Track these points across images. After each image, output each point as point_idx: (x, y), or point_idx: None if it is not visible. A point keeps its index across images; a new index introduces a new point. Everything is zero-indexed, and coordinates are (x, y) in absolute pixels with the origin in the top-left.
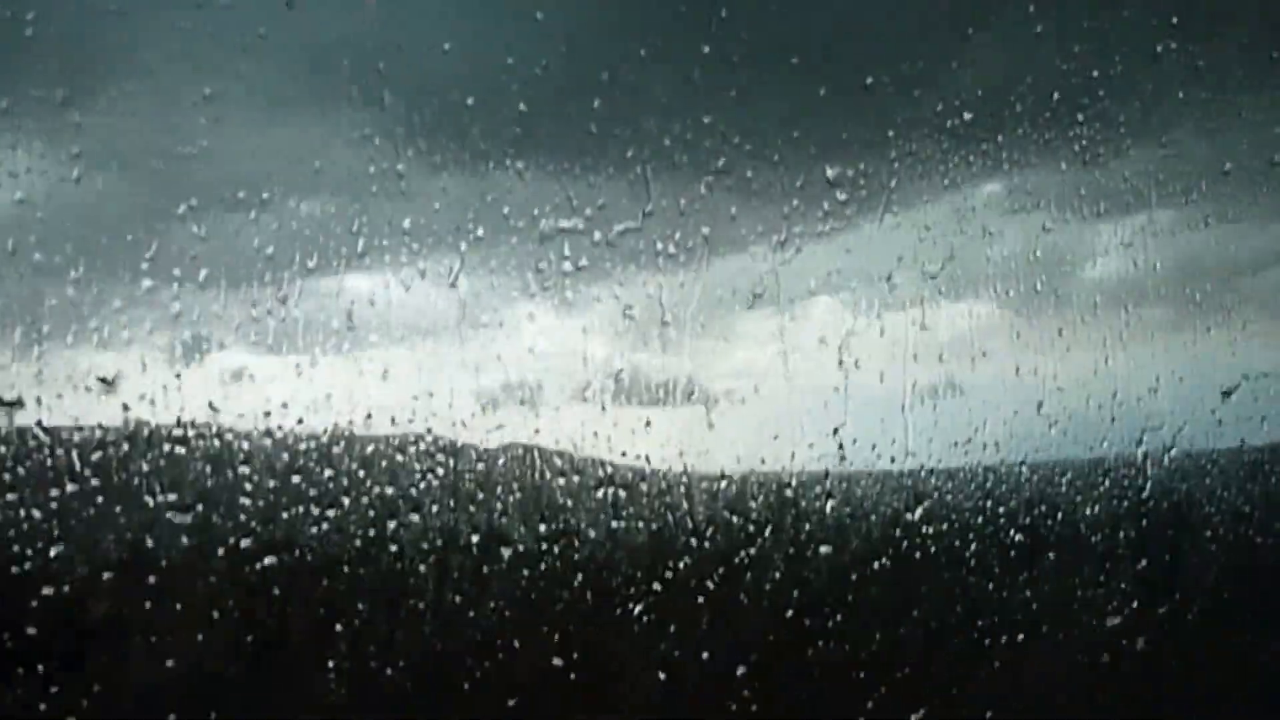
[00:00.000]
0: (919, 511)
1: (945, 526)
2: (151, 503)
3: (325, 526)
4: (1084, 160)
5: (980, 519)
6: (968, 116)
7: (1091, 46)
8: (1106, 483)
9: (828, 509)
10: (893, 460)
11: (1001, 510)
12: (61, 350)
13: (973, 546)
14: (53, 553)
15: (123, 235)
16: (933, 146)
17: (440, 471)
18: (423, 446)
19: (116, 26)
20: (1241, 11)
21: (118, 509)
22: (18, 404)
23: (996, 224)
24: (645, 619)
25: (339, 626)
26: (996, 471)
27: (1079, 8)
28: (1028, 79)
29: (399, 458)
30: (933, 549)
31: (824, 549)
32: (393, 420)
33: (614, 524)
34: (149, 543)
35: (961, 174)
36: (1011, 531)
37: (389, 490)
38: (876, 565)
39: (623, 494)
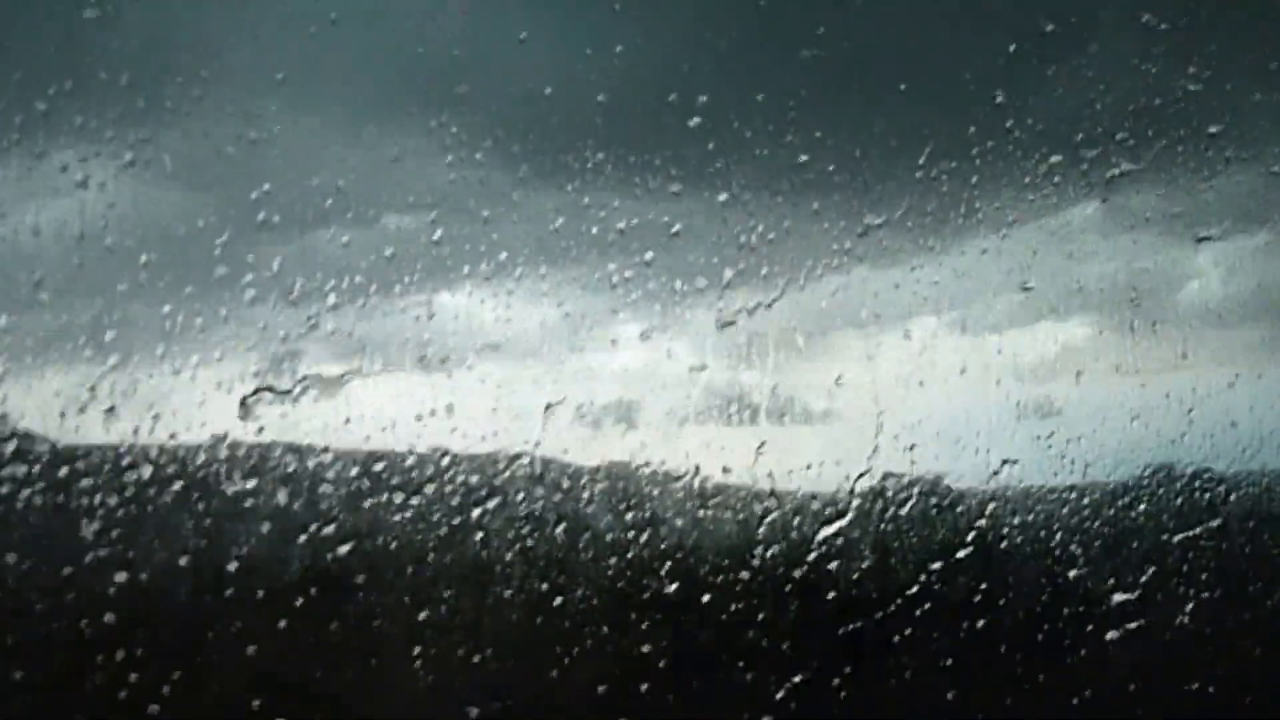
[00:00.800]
0: (1012, 527)
1: (1037, 545)
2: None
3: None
4: (1183, 181)
5: (1073, 536)
6: (1066, 136)
7: (1191, 66)
8: (1196, 501)
9: (924, 526)
10: (994, 475)
11: (1093, 529)
12: (146, 369)
13: (1067, 564)
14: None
15: (208, 253)
16: (1032, 166)
17: (537, 489)
18: (520, 464)
19: (195, 41)
20: None
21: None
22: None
23: (1094, 244)
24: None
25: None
26: (1093, 491)
27: (1180, 27)
28: (1127, 99)
29: (493, 474)
30: (1027, 565)
31: (922, 564)
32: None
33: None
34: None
35: (1060, 195)
36: (1103, 548)
37: (479, 508)
38: (971, 579)
39: (721, 513)
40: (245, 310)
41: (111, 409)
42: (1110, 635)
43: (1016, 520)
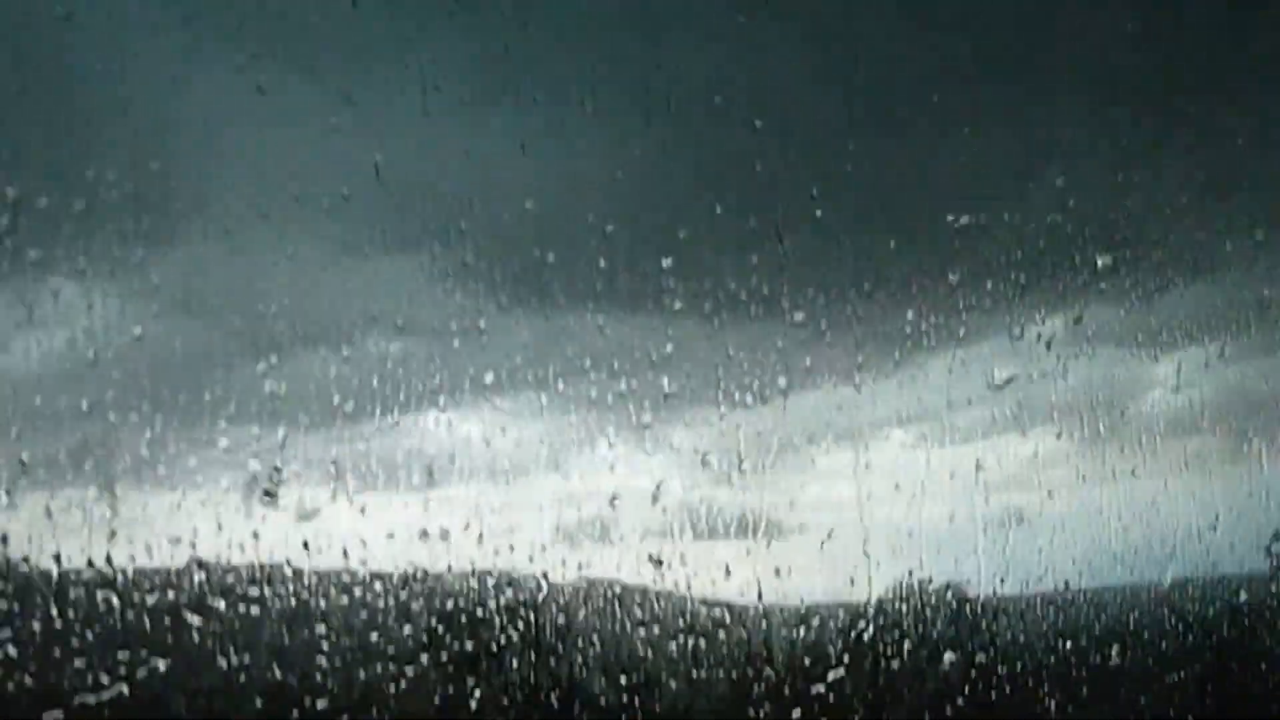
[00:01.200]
0: (990, 640)
1: (1014, 658)
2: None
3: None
4: (1138, 299)
5: (1049, 648)
6: (1028, 260)
7: (1144, 193)
8: (1167, 611)
9: (904, 643)
10: (947, 594)
11: (1069, 640)
12: (142, 489)
13: (1041, 674)
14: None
15: (203, 378)
16: (997, 288)
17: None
18: (499, 581)
19: (197, 183)
20: None
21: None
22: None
23: (1057, 360)
24: None
25: None
26: (1062, 602)
27: (1135, 153)
28: (1085, 224)
29: (473, 593)
30: (1002, 676)
31: (899, 681)
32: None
33: (692, 670)
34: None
35: (1023, 313)
36: (1079, 660)
37: (468, 633)
38: (950, 695)
39: (697, 631)
40: (231, 432)
41: (90, 530)
42: None
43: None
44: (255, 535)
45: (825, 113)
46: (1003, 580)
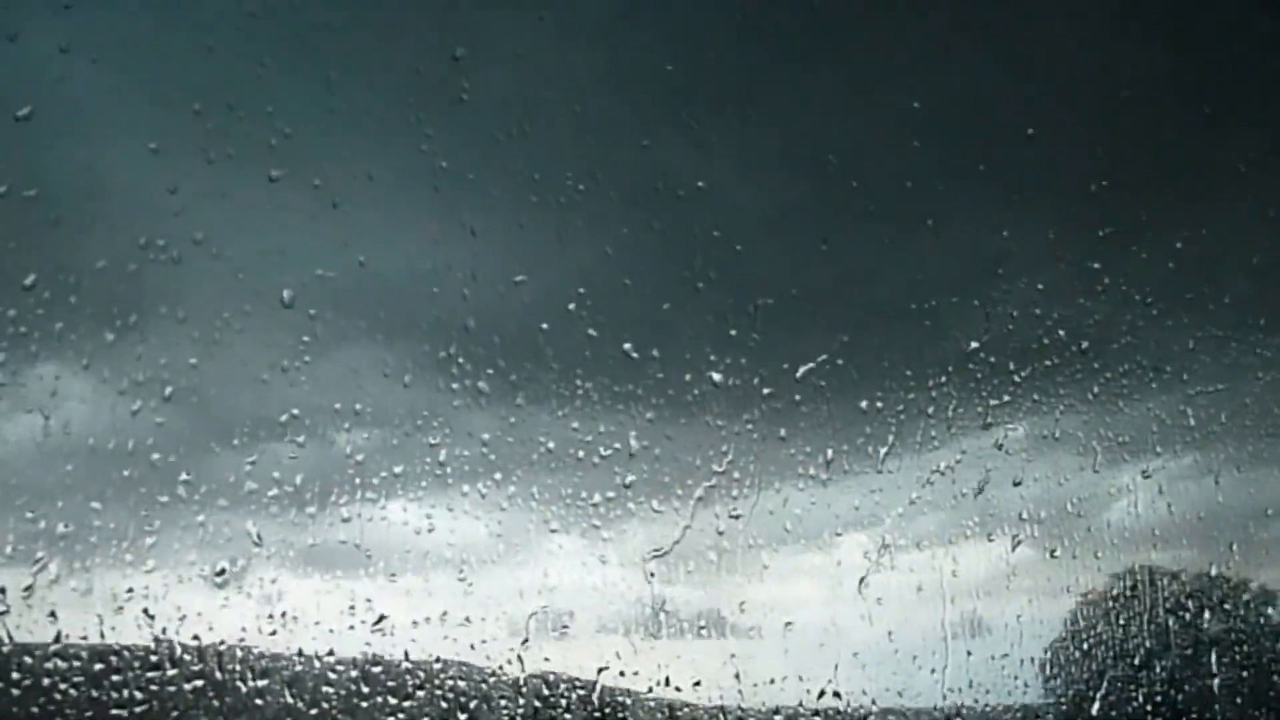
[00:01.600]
0: None
1: None
2: None
3: None
4: (1106, 402)
5: None
6: (994, 358)
7: (1113, 293)
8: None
9: None
10: (917, 697)
11: None
12: (107, 570)
13: None
14: None
15: (169, 463)
16: (963, 386)
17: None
18: (454, 673)
19: (169, 269)
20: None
21: None
22: None
23: (1022, 463)
24: None
25: None
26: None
27: (1099, 256)
28: (1053, 323)
29: (432, 684)
30: None
31: None
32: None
33: None
34: None
35: (990, 413)
36: None
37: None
38: None
39: None
40: (192, 509)
41: (54, 612)
42: None
43: None
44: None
45: (798, 210)
46: (962, 683)
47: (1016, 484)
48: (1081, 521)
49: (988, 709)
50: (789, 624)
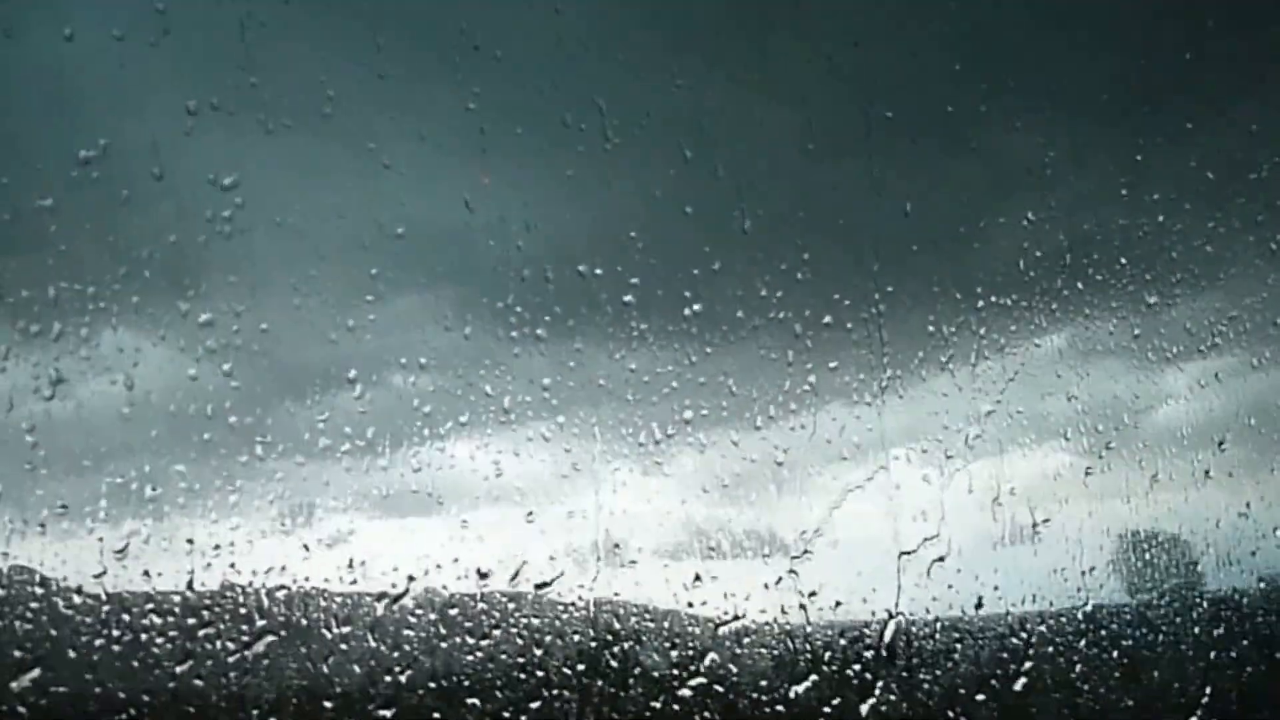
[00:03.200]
0: (1013, 653)
1: (1038, 668)
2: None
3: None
4: (1148, 308)
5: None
6: (1034, 272)
7: (1148, 197)
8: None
9: (924, 653)
10: (980, 605)
11: (1093, 650)
12: (194, 527)
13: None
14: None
15: (245, 423)
16: (1006, 300)
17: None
18: (527, 610)
19: (234, 239)
20: None
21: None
22: None
23: (1068, 373)
24: None
25: None
26: (1079, 614)
27: (1132, 159)
28: (1092, 232)
29: (507, 621)
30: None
31: (920, 692)
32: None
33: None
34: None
35: (1032, 327)
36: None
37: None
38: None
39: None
40: (269, 465)
41: (146, 570)
42: None
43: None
44: (283, 566)
45: (833, 134)
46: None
47: (1059, 393)
48: (1134, 427)
49: (1051, 615)
50: (846, 543)
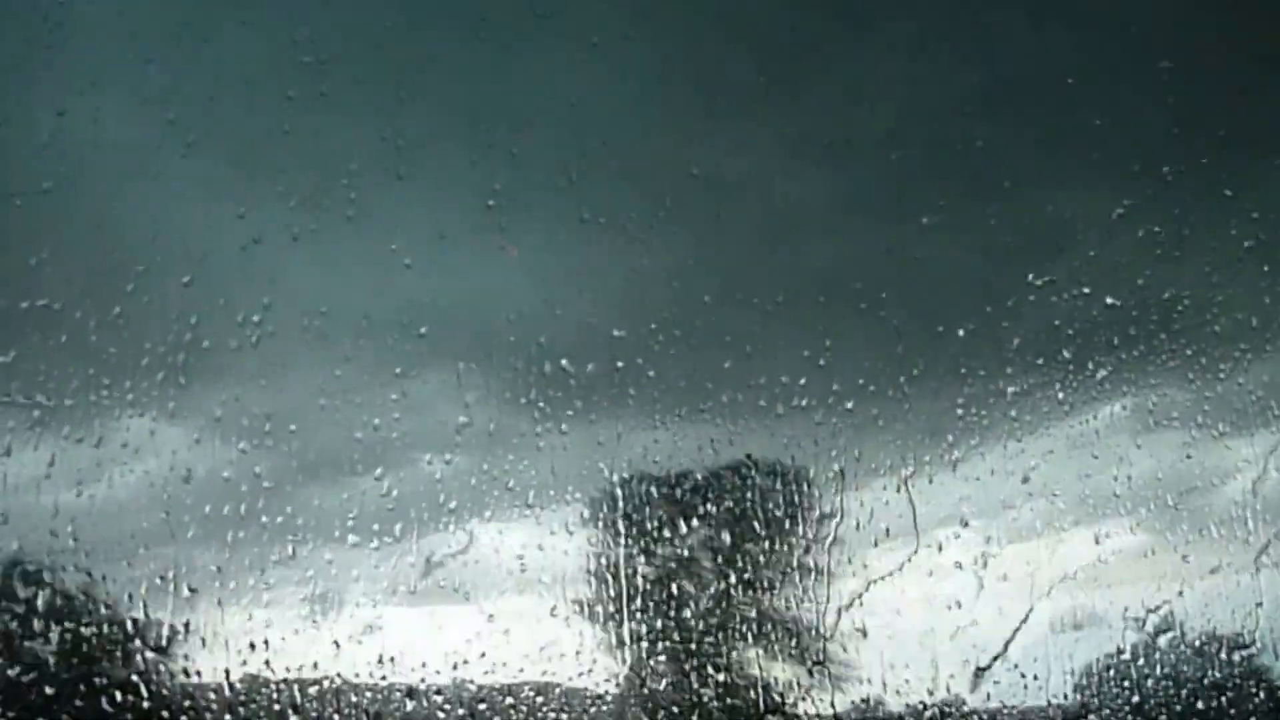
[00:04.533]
0: None
1: None
2: None
3: None
4: (1209, 377)
5: None
6: (1082, 340)
7: (1206, 261)
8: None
9: None
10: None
11: None
12: (211, 608)
13: None
14: None
15: (266, 501)
16: (1049, 371)
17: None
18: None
19: (244, 324)
20: None
21: None
22: None
23: (1121, 446)
24: None
25: None
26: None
27: (1194, 225)
28: (1144, 298)
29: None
30: None
31: None
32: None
33: None
34: None
35: (1080, 397)
36: None
37: None
38: None
39: None
40: (301, 557)
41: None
42: None
43: None
44: (315, 663)
45: (871, 201)
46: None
47: (1114, 467)
48: (1187, 505)
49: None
50: (877, 631)
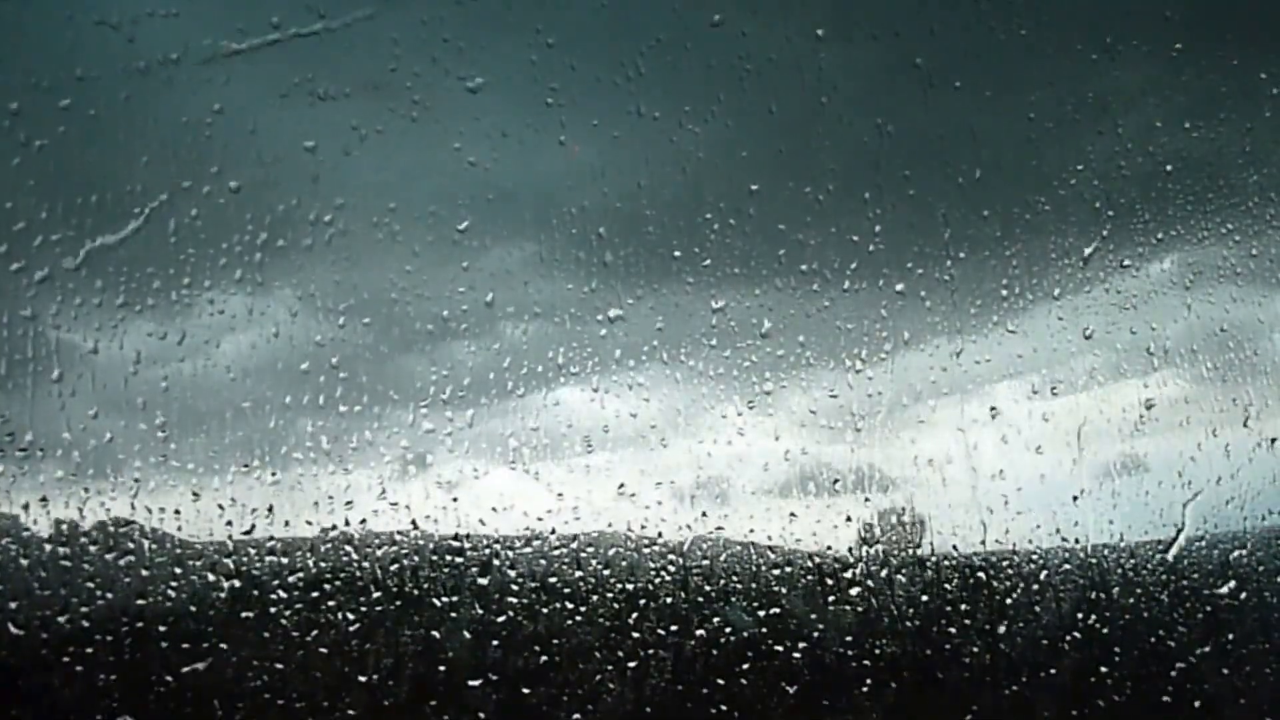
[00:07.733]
0: (1103, 588)
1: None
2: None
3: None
4: (1254, 230)
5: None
6: (1130, 195)
7: (1251, 112)
8: None
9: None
10: (1076, 542)
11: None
12: (308, 469)
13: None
14: None
15: (358, 369)
16: (1096, 227)
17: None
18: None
19: (335, 202)
20: None
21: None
22: None
23: (1169, 300)
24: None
25: None
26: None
27: (1245, 75)
28: (1189, 151)
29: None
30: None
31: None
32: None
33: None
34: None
35: (1128, 253)
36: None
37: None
38: (1065, 642)
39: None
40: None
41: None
42: None
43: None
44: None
45: (915, 72)
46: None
47: (1161, 320)
48: (1237, 352)
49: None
50: (938, 475)
